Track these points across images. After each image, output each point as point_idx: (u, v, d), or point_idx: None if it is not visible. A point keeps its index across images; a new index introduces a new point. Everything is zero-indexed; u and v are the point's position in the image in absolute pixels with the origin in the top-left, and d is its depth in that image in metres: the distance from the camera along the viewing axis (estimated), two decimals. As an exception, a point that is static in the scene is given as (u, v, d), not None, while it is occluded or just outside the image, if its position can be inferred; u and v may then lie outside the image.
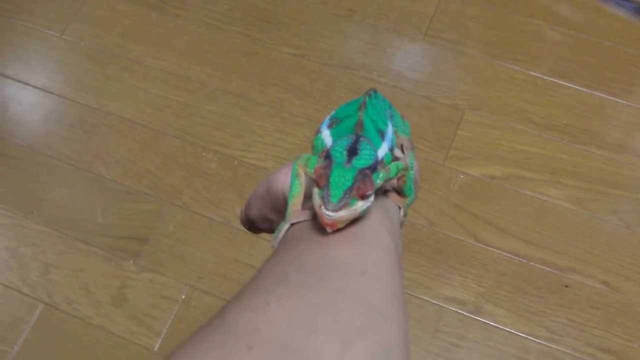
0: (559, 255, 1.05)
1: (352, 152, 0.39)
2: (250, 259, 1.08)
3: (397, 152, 0.49)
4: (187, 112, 1.21)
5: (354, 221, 0.39)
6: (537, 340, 1.00)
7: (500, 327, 1.01)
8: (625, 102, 1.17)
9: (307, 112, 1.19)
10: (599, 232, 1.07)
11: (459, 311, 1.02)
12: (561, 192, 1.10)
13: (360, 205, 0.38)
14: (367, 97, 0.45)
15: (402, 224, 0.46)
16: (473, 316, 1.02)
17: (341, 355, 0.30)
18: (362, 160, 0.39)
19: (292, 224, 0.42)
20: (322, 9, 1.30)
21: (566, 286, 1.03)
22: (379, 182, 0.41)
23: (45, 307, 1.07)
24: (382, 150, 0.43)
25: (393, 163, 0.43)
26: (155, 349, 1.03)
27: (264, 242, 1.09)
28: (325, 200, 0.37)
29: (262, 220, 0.52)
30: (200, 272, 1.08)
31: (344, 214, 0.37)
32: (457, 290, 1.04)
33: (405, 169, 0.44)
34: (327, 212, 0.37)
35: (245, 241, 1.10)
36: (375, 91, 0.48)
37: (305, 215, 0.41)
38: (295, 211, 0.42)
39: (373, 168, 0.40)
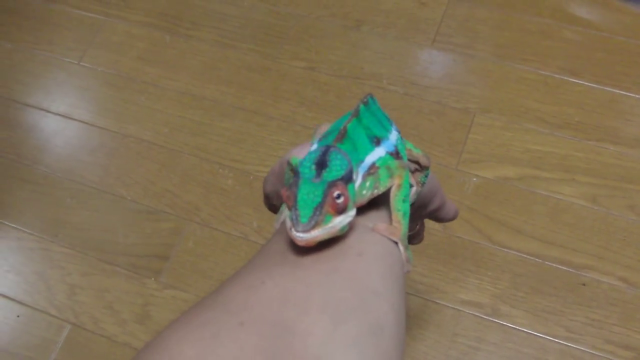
0: (575, 254, 1.04)
1: (321, 165, 0.37)
2: (268, 271, 1.10)
3: (402, 160, 0.47)
4: (202, 130, 1.24)
5: (337, 239, 0.37)
6: (556, 340, 0.99)
7: (518, 328, 1.01)
8: (637, 96, 1.16)
9: (320, 123, 1.20)
10: (615, 228, 1.06)
11: (477, 314, 1.02)
12: (576, 190, 1.09)
13: (338, 222, 0.35)
14: (361, 105, 0.43)
15: (408, 264, 0.40)
16: (490, 318, 1.02)
17: (331, 334, 0.31)
18: (333, 172, 0.36)
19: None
20: (331, 22, 1.31)
21: (583, 284, 1.02)
22: (365, 192, 0.39)
23: (73, 328, 1.10)
24: (374, 155, 0.41)
25: (384, 166, 0.41)
26: (179, 363, 1.05)
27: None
28: (294, 222, 0.35)
29: (275, 196, 0.53)
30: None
31: (318, 233, 0.35)
32: (473, 293, 1.04)
33: (401, 167, 0.41)
34: (297, 235, 0.34)
35: (263, 254, 1.11)
36: (373, 97, 0.45)
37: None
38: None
39: (347, 179, 0.37)
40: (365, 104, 0.43)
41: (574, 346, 0.99)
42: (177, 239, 1.14)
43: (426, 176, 0.50)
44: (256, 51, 1.31)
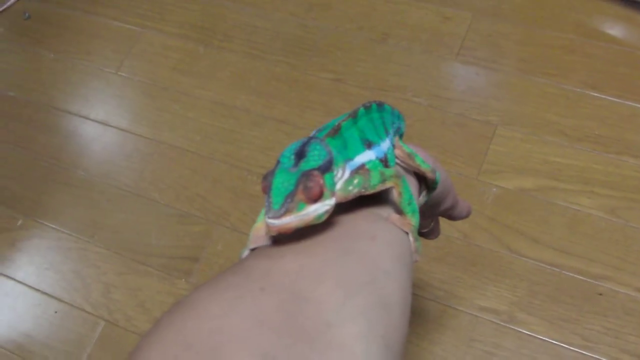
0: (593, 264, 1.07)
1: (300, 155, 0.38)
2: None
3: (398, 169, 0.49)
4: (232, 138, 1.29)
5: (318, 226, 0.38)
6: (571, 348, 1.02)
7: (534, 335, 1.03)
8: (657, 111, 1.18)
9: (345, 133, 1.24)
10: (633, 240, 1.08)
11: (494, 320, 1.05)
12: (594, 202, 1.12)
13: (312, 210, 0.36)
14: (362, 108, 0.44)
15: (416, 253, 0.43)
16: (507, 325, 1.05)
17: (343, 304, 0.34)
18: (311, 162, 0.37)
19: (251, 250, 0.42)
20: (358, 35, 1.35)
21: (600, 294, 1.05)
22: (351, 188, 0.40)
23: (107, 324, 1.15)
24: (364, 157, 0.43)
25: (379, 170, 0.42)
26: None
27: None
28: (267, 208, 0.36)
29: None
30: (247, 289, 1.14)
31: (290, 220, 0.36)
32: (491, 300, 1.07)
33: (395, 176, 0.42)
34: (269, 220, 0.35)
35: (288, 258, 1.15)
36: (379, 104, 0.47)
37: (264, 240, 0.41)
38: (255, 236, 0.42)
39: (324, 168, 0.37)
40: (367, 108, 0.45)
41: (589, 354, 1.01)
42: (207, 242, 1.19)
43: (434, 187, 0.53)
44: (285, 63, 1.35)
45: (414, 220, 0.42)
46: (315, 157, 0.37)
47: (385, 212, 0.43)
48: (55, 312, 1.18)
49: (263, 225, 0.42)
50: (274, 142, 1.27)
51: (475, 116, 1.22)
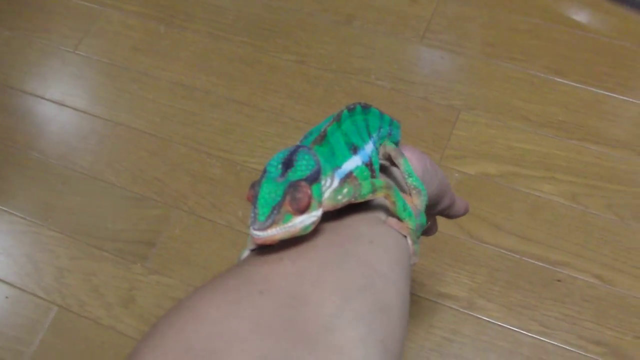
0: (553, 250, 1.06)
1: (288, 164, 0.37)
2: (252, 260, 1.12)
3: (388, 180, 0.47)
4: (192, 120, 1.26)
5: (302, 238, 0.37)
6: (529, 334, 1.01)
7: (493, 321, 1.02)
8: (621, 97, 1.17)
9: (307, 116, 1.22)
10: (592, 227, 1.07)
11: (453, 307, 1.04)
12: (555, 188, 1.11)
13: (299, 222, 0.35)
14: (346, 111, 0.43)
15: (415, 256, 0.42)
16: (466, 311, 1.04)
17: (342, 308, 0.33)
18: (298, 172, 0.36)
19: (251, 250, 0.41)
20: (323, 16, 1.33)
21: (559, 280, 1.04)
22: (340, 197, 0.39)
23: (59, 310, 1.12)
24: (352, 163, 0.42)
25: (370, 179, 0.41)
26: (161, 347, 1.07)
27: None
28: (252, 219, 0.35)
29: None
30: (204, 274, 1.12)
31: (275, 232, 0.35)
32: (450, 286, 1.05)
33: (386, 187, 0.41)
34: (254, 232, 0.35)
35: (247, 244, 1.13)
36: (365, 107, 0.46)
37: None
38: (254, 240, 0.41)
39: (312, 179, 0.37)
40: (350, 110, 0.44)
41: (547, 340, 1.00)
42: (164, 226, 1.17)
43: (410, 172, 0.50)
44: (248, 44, 1.33)
45: (411, 223, 0.41)
46: (302, 167, 0.36)
47: (383, 215, 0.42)
48: (6, 297, 1.15)
49: None
50: (235, 124, 1.24)
51: (439, 100, 1.21)
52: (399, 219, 0.41)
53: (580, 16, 1.25)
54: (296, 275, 0.35)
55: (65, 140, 1.28)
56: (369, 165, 0.43)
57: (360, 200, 0.40)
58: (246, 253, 0.41)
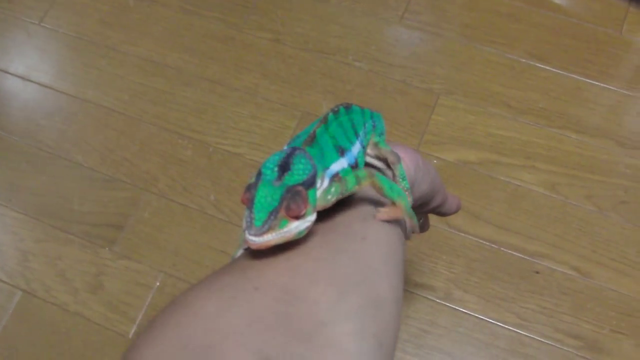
0: (531, 241, 1.05)
1: (284, 167, 0.36)
2: (224, 245, 1.09)
3: (370, 169, 0.48)
4: (163, 99, 1.21)
5: (294, 242, 0.37)
6: (507, 327, 1.00)
7: (470, 313, 1.01)
8: (602, 85, 1.16)
9: (282, 97, 1.19)
10: (572, 218, 1.06)
11: (429, 297, 1.02)
12: (535, 177, 1.09)
13: (294, 227, 0.35)
14: (331, 113, 0.43)
15: (409, 233, 0.43)
16: (443, 302, 1.02)
17: (336, 303, 0.34)
18: (295, 176, 0.36)
19: (244, 250, 0.41)
20: (299, -7, 1.29)
21: (537, 272, 1.03)
22: (330, 197, 0.38)
23: (24, 295, 1.09)
24: (339, 165, 0.41)
25: (352, 173, 0.41)
26: (130, 335, 1.04)
27: (238, 229, 1.09)
28: (248, 224, 0.34)
29: None
30: (174, 259, 1.09)
31: (271, 238, 0.34)
32: (427, 276, 1.04)
33: (369, 176, 0.40)
34: (249, 237, 0.34)
35: (219, 228, 1.10)
36: (347, 107, 0.45)
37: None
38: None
39: (309, 184, 0.36)
40: (335, 112, 0.43)
41: (524, 333, 0.99)
42: (133, 209, 1.13)
43: (403, 176, 0.49)
44: (221, 20, 1.28)
45: (403, 201, 0.41)
46: (299, 171, 0.36)
47: (374, 209, 0.42)
48: (-32, 280, 1.11)
49: None
50: (207, 104, 1.20)
51: (418, 84, 1.18)
52: (392, 201, 0.41)
53: (563, 0, 1.23)
54: (290, 272, 0.35)
55: (30, 117, 1.22)
56: (354, 167, 0.43)
57: (347, 194, 0.40)
58: (240, 252, 0.41)
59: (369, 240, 0.39)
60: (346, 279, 0.36)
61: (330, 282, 0.35)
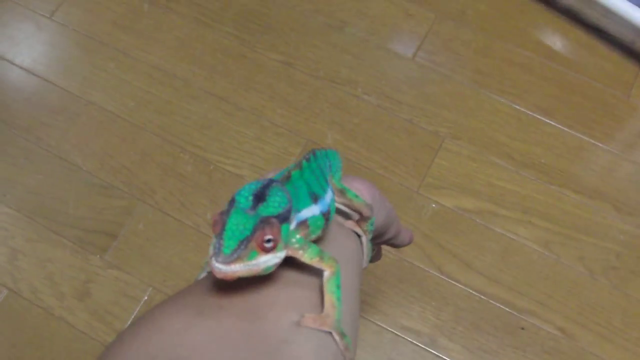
0: (520, 296, 1.06)
1: (259, 197, 0.35)
2: (216, 267, 1.09)
3: (352, 225, 0.48)
4: (168, 110, 1.21)
5: (260, 278, 0.36)
6: (487, 380, 1.01)
7: (452, 362, 1.02)
8: (605, 147, 1.17)
9: (288, 122, 1.19)
10: (562, 277, 1.07)
11: (414, 342, 1.03)
12: (530, 233, 1.10)
13: (263, 261, 0.34)
14: (304, 161, 0.42)
15: (347, 351, 0.38)
16: (427, 348, 1.03)
17: (297, 324, 0.35)
18: (270, 207, 0.35)
19: (207, 272, 0.41)
20: (315, 18, 1.28)
21: (522, 328, 1.04)
22: (294, 241, 0.37)
23: (9, 293, 1.08)
24: (309, 211, 0.40)
25: (314, 247, 0.38)
26: (113, 347, 1.04)
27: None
28: (216, 250, 0.33)
29: None
30: (165, 275, 1.09)
31: (238, 268, 0.33)
32: (414, 320, 1.05)
33: (332, 266, 0.38)
34: (216, 265, 0.33)
35: (213, 249, 1.10)
36: (314, 154, 0.45)
37: None
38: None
39: (283, 218, 0.35)
40: (308, 160, 0.43)
41: (503, 388, 1.01)
42: (128, 219, 1.12)
43: (372, 224, 0.49)
44: (234, 36, 1.27)
45: (337, 307, 0.37)
46: (275, 204, 0.35)
47: (296, 309, 0.38)
48: (-46, 273, 1.10)
49: None
50: (212, 120, 1.20)
51: (424, 125, 1.18)
52: (328, 302, 0.38)
53: (576, 56, 1.24)
54: (254, 293, 0.36)
55: (33, 112, 1.21)
56: (325, 214, 0.42)
57: (304, 260, 0.38)
58: (203, 274, 0.42)
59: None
60: (305, 302, 0.37)
61: (291, 305, 0.36)
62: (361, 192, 0.48)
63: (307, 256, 0.38)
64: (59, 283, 1.09)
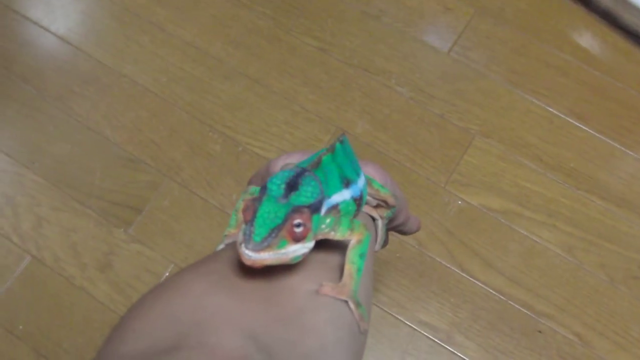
0: (539, 299, 1.06)
1: (292, 186, 0.35)
2: (238, 248, 1.09)
3: (369, 210, 0.49)
4: (200, 88, 1.21)
5: (286, 267, 0.36)
6: (501, 380, 1.02)
7: (467, 360, 1.03)
8: (635, 155, 1.16)
9: (319, 109, 1.18)
10: (583, 283, 1.07)
11: (431, 337, 1.04)
12: (554, 236, 1.10)
13: (292, 250, 0.34)
14: (338, 143, 0.42)
15: (362, 322, 0.38)
16: (443, 344, 1.04)
17: (313, 293, 0.36)
18: (302, 197, 0.35)
19: (227, 244, 0.42)
20: (353, 5, 1.27)
21: (539, 331, 1.04)
22: (324, 227, 0.37)
23: (33, 260, 1.09)
24: (340, 196, 0.40)
25: (347, 216, 0.39)
26: (132, 320, 1.05)
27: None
28: (246, 237, 0.33)
29: None
30: (187, 252, 1.09)
31: (267, 257, 0.33)
32: (432, 316, 1.05)
33: (362, 231, 0.38)
34: (246, 251, 0.33)
35: (236, 230, 1.10)
36: (345, 137, 0.45)
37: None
38: (229, 237, 0.42)
39: (315, 208, 0.35)
40: (341, 142, 0.42)
41: (516, 390, 1.01)
42: (154, 194, 1.13)
43: (392, 212, 0.50)
44: (271, 17, 1.27)
45: (355, 279, 0.37)
46: (307, 193, 0.35)
47: (313, 280, 0.38)
48: (-20, 236, 1.11)
49: (235, 231, 0.42)
50: (244, 101, 1.19)
51: (456, 121, 1.18)
52: (347, 270, 0.38)
53: (613, 62, 1.23)
54: (269, 269, 0.36)
55: (64, 81, 1.21)
56: (357, 199, 0.42)
57: (337, 237, 0.38)
58: (221, 246, 0.42)
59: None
60: (324, 275, 0.37)
61: (309, 276, 0.37)
62: (374, 176, 0.48)
63: (339, 235, 0.38)
64: (81, 253, 1.10)
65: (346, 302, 0.37)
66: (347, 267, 0.37)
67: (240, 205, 0.42)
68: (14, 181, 1.14)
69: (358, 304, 0.37)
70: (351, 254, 0.38)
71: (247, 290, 0.35)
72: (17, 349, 1.05)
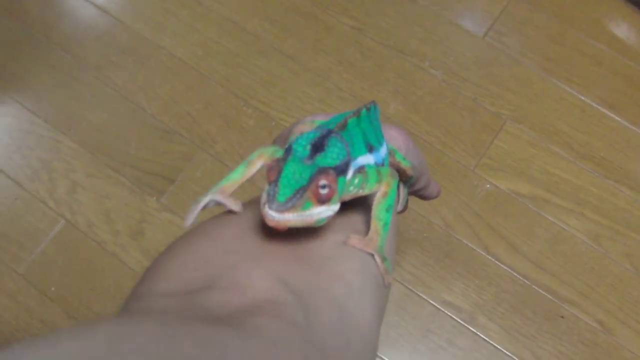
0: (563, 285, 1.07)
1: (318, 147, 0.34)
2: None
3: (393, 171, 0.48)
4: (236, 63, 1.22)
5: (310, 229, 0.36)
6: (522, 363, 1.03)
7: (489, 341, 1.04)
8: (666, 148, 1.16)
9: (353, 88, 1.19)
10: (607, 272, 1.08)
11: (454, 317, 1.05)
12: (581, 224, 1.11)
13: (317, 212, 0.33)
14: (364, 109, 0.41)
15: (387, 275, 0.38)
16: (466, 325, 1.05)
17: (342, 244, 0.36)
18: (328, 158, 0.34)
19: (211, 200, 0.39)
20: (390, -14, 1.28)
21: (562, 317, 1.05)
22: (352, 188, 0.37)
23: (66, 225, 1.12)
24: (365, 159, 0.39)
25: (374, 169, 0.38)
26: (161, 287, 1.07)
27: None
28: (270, 198, 0.32)
29: None
30: (217, 224, 1.11)
31: (291, 218, 0.32)
32: (456, 296, 1.07)
33: (391, 176, 0.38)
34: (269, 212, 0.32)
35: (266, 204, 1.12)
36: (375, 106, 0.44)
37: (226, 200, 0.39)
38: (221, 191, 0.40)
39: (341, 170, 0.34)
40: (368, 109, 0.41)
41: (537, 372, 1.03)
42: (187, 165, 1.15)
43: (411, 180, 0.51)
44: (308, -5, 1.28)
45: (381, 235, 0.37)
46: (333, 155, 0.34)
47: (342, 232, 0.39)
48: (16, 199, 1.13)
49: (233, 186, 0.40)
50: (278, 77, 1.21)
51: (488, 105, 1.18)
52: (373, 226, 0.38)
53: (648, 53, 1.23)
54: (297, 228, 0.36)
55: (103, 51, 1.23)
56: (380, 167, 0.41)
57: (366, 192, 0.37)
58: (206, 201, 0.40)
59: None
60: (352, 227, 0.38)
61: (337, 228, 0.37)
62: (397, 139, 0.48)
63: (367, 190, 0.37)
64: (114, 220, 1.12)
65: (372, 255, 0.37)
66: (374, 223, 0.37)
67: (254, 156, 0.41)
68: (50, 147, 1.16)
69: (384, 258, 0.37)
70: (377, 210, 0.37)
71: (276, 238, 0.35)
72: (49, 310, 1.07)
